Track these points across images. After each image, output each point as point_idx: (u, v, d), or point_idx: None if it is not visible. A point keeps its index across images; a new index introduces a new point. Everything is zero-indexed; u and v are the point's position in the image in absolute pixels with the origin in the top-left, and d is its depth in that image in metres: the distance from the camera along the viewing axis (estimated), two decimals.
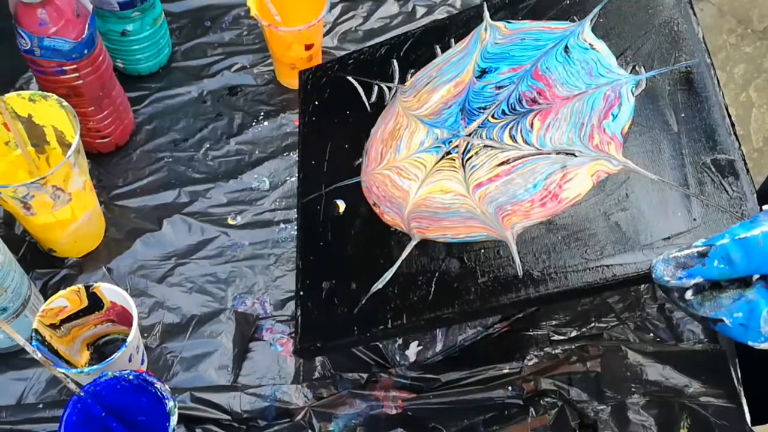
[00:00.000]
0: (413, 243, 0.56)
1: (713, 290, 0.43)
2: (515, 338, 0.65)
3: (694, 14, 0.54)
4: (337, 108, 0.68)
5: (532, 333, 0.65)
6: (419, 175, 0.60)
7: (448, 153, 0.59)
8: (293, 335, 0.59)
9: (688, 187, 0.48)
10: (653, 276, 0.44)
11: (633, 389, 0.62)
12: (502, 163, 0.56)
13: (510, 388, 0.62)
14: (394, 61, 0.67)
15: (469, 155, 0.58)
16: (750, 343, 0.43)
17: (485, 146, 0.57)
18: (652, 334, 0.65)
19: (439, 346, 0.63)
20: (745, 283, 0.43)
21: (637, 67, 0.54)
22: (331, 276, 0.59)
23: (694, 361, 0.63)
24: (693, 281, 0.43)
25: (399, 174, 0.61)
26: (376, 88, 0.67)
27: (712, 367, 0.63)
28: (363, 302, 0.56)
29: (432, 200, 0.58)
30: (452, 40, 0.65)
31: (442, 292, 0.53)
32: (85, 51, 0.65)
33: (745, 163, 0.48)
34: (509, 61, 0.61)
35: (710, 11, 1.97)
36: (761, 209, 0.45)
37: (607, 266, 0.48)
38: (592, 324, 0.66)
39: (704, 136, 0.50)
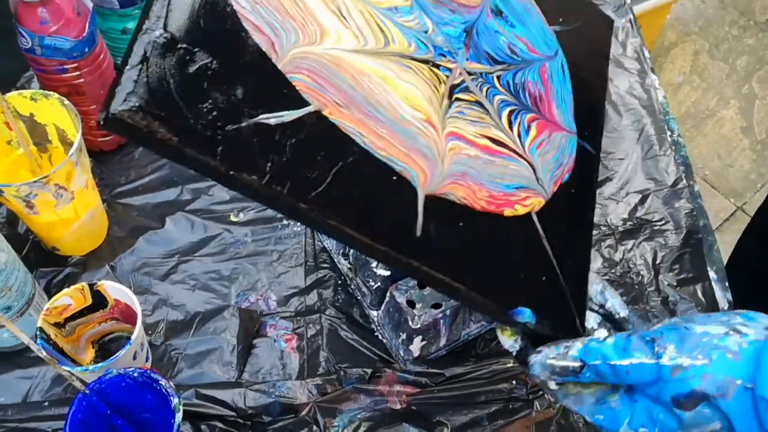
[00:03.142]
0: (308, 109, 0.38)
1: (577, 385, 0.43)
2: None
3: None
4: None
5: None
6: (367, 37, 0.40)
7: (437, 66, 0.43)
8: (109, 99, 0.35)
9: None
10: (530, 371, 0.43)
11: None
12: (493, 139, 0.45)
13: (514, 382, 0.62)
14: None
15: (459, 92, 0.44)
16: None
17: (478, 102, 0.45)
18: None
19: (443, 341, 0.63)
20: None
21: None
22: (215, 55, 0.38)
23: None
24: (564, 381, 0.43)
25: None
26: None
27: None
28: (242, 124, 0.36)
29: (372, 87, 0.39)
30: None
31: (341, 189, 0.38)
32: (86, 49, 0.65)
33: None
34: (528, 29, 0.47)
35: (712, 3, 1.96)
36: (631, 325, 0.45)
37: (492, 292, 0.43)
38: None
39: None
